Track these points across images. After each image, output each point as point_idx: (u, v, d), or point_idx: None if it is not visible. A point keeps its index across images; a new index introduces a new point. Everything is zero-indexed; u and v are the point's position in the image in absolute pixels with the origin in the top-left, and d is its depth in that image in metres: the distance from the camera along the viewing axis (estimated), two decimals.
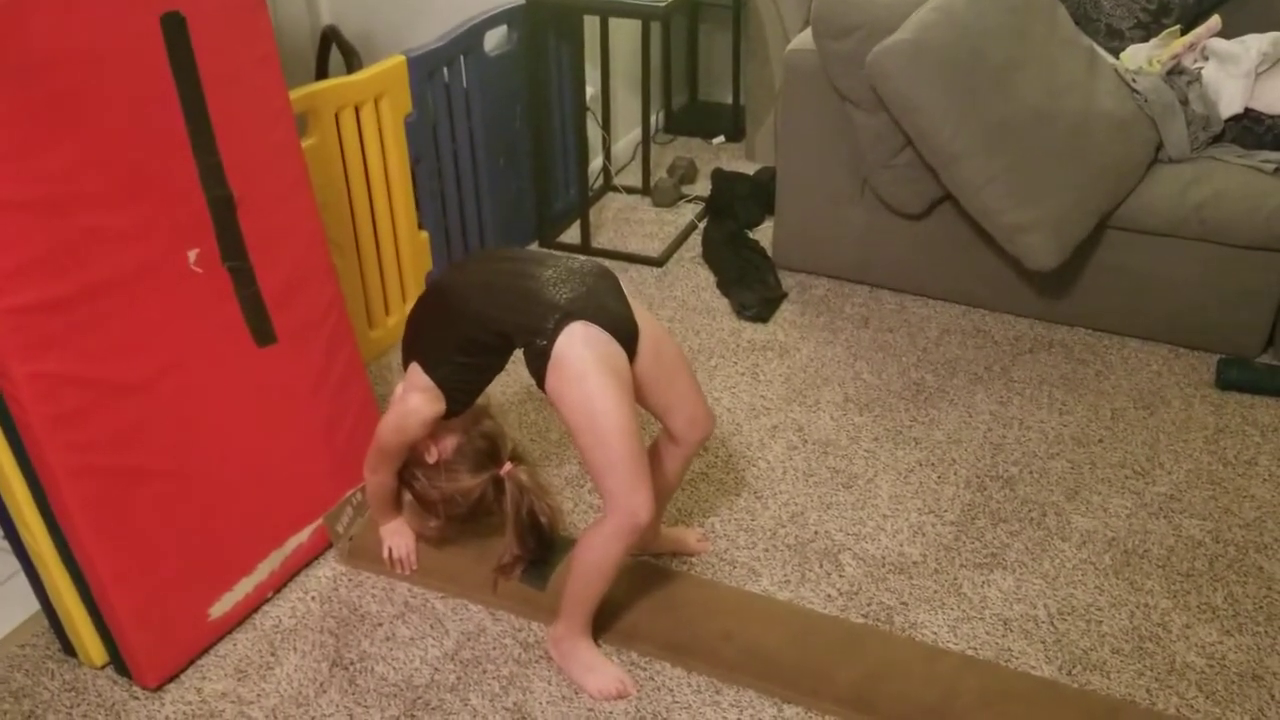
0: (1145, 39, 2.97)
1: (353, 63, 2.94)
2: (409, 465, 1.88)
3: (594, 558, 1.74)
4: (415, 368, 1.79)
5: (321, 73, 3.19)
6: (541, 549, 1.89)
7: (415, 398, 1.77)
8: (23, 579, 1.85)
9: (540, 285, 1.70)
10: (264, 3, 1.85)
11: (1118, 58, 2.91)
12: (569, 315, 1.65)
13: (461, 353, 1.76)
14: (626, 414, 1.63)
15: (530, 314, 1.67)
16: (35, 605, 1.89)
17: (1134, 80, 2.75)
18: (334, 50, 3.15)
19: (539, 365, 1.66)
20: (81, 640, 1.83)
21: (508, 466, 1.84)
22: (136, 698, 1.81)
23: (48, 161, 1.55)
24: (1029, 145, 2.54)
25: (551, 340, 1.64)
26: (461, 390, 1.80)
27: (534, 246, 3.26)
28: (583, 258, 1.83)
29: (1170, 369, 2.66)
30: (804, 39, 2.84)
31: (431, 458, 1.85)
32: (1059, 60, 2.67)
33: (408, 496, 1.93)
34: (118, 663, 1.83)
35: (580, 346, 1.64)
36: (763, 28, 3.64)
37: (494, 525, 1.94)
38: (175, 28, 1.69)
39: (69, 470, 1.65)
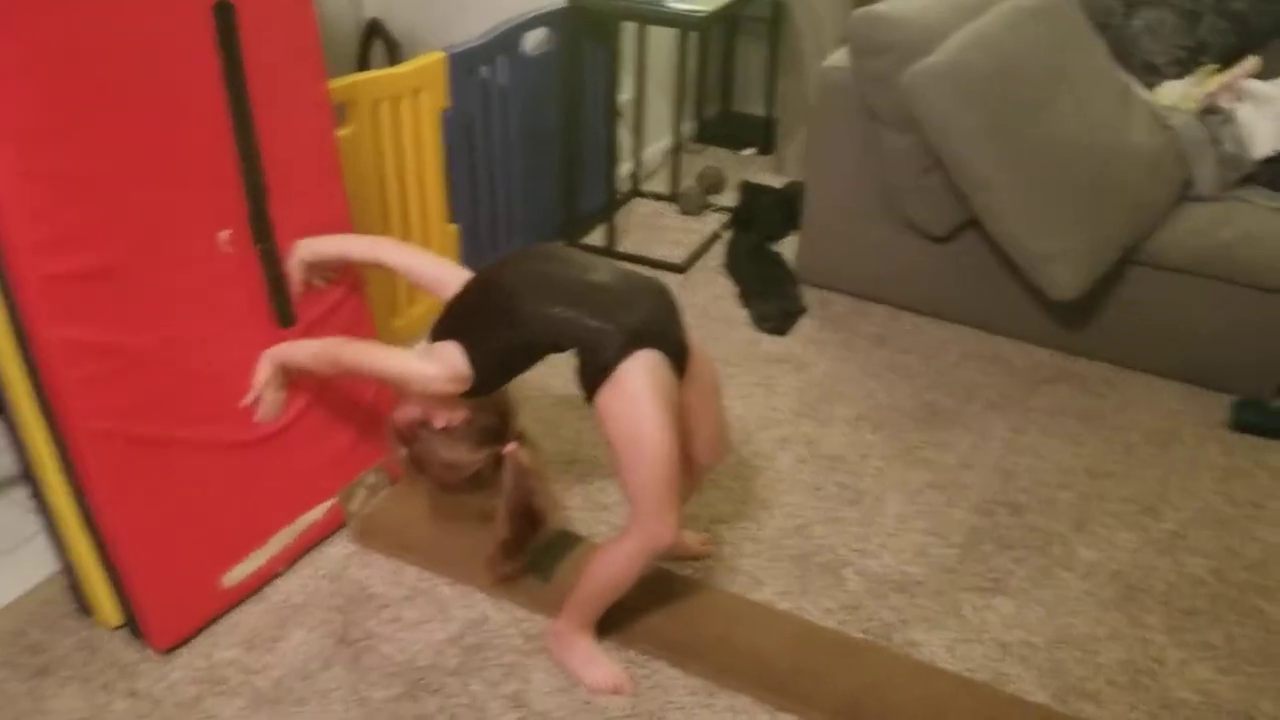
0: (1181, 76, 2.98)
1: (395, 56, 2.99)
2: (414, 424, 1.84)
3: (612, 572, 1.77)
4: (455, 349, 1.74)
5: (363, 64, 3.25)
6: (531, 534, 1.88)
7: (439, 371, 1.73)
8: (45, 538, 1.89)
9: (611, 301, 1.69)
10: None
11: (1152, 93, 2.92)
12: (639, 340, 1.66)
13: (509, 351, 1.75)
14: (671, 442, 1.65)
15: (599, 330, 1.66)
16: (56, 564, 1.93)
17: (1167, 117, 2.76)
18: (377, 42, 3.20)
19: (596, 379, 1.66)
20: (98, 601, 1.88)
21: (510, 446, 1.84)
22: (148, 660, 1.86)
23: (91, 137, 1.61)
24: (1058, 175, 2.56)
25: (616, 359, 1.64)
26: (494, 380, 1.78)
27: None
28: (646, 273, 1.82)
29: (1186, 407, 2.67)
30: (839, 56, 2.87)
31: (439, 422, 1.81)
32: (1093, 93, 2.69)
33: (405, 451, 1.88)
34: (132, 625, 1.88)
35: (642, 371, 1.65)
36: (799, 42, 3.67)
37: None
38: (226, 17, 1.74)
39: (92, 434, 1.70)
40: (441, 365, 1.73)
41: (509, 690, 1.84)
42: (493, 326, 1.74)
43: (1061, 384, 2.74)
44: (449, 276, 1.87)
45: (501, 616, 1.98)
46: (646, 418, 1.64)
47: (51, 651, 1.87)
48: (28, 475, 1.82)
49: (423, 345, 1.81)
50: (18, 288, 1.58)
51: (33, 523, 1.93)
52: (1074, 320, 2.80)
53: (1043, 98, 2.57)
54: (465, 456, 1.82)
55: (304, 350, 1.94)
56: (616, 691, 1.84)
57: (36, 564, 2.01)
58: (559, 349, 1.73)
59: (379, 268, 2.05)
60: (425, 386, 1.75)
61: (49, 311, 1.60)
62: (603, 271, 1.77)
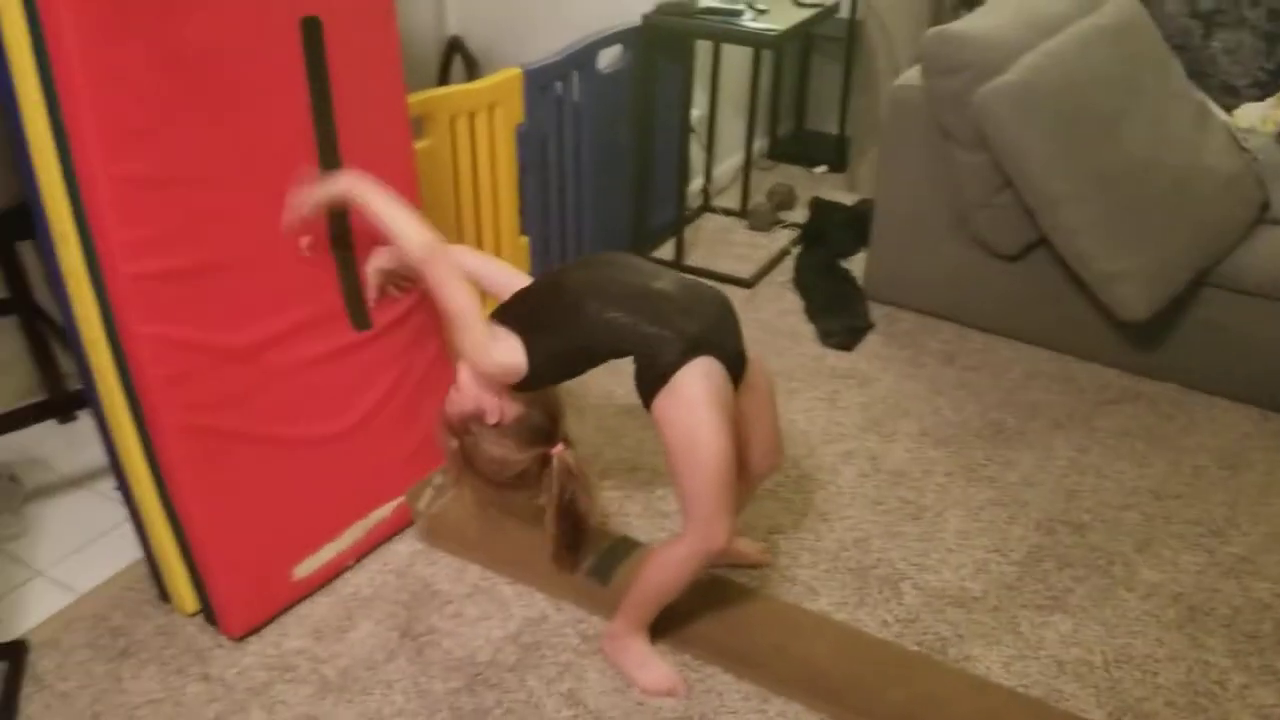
0: (1261, 98, 2.95)
1: (474, 72, 3.08)
2: (467, 418, 1.85)
3: (665, 575, 1.81)
4: (515, 342, 1.76)
5: (444, 80, 3.35)
6: (576, 534, 1.89)
7: (499, 360, 1.75)
8: (130, 527, 1.99)
9: (674, 310, 1.72)
10: (393, 12, 1.98)
11: (1231, 115, 2.89)
12: (698, 347, 1.69)
13: (567, 353, 1.78)
14: (726, 448, 1.68)
15: (657, 337, 1.69)
16: (139, 553, 2.03)
17: (1245, 139, 2.73)
18: (457, 59, 3.30)
19: (654, 385, 1.69)
20: (177, 588, 1.97)
21: (558, 448, 1.85)
22: (221, 646, 1.94)
23: (185, 144, 1.69)
24: (1129, 195, 2.54)
25: (674, 366, 1.67)
26: (545, 378, 1.81)
27: None
28: (708, 283, 1.84)
29: (1259, 430, 2.62)
30: (911, 75, 2.88)
31: (492, 418, 1.82)
32: (1168, 113, 2.67)
33: (455, 444, 1.88)
34: (207, 612, 1.96)
35: (699, 378, 1.67)
36: (874, 61, 3.69)
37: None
38: (313, 31, 1.82)
39: (176, 427, 1.78)
40: (502, 353, 1.76)
41: (564, 688, 1.88)
42: (554, 327, 1.77)
43: (1129, 404, 2.71)
44: (519, 284, 1.92)
45: (560, 616, 2.03)
46: (703, 424, 1.67)
47: (132, 635, 1.96)
48: (115, 467, 1.92)
49: (492, 328, 1.81)
50: (110, 285, 1.67)
51: (119, 512, 2.03)
52: (1144, 341, 2.77)
53: (1115, 117, 2.56)
54: (513, 454, 1.84)
55: (407, 225, 1.84)
56: (670, 694, 1.87)
57: (121, 552, 2.11)
58: (618, 354, 1.75)
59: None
60: (477, 357, 1.76)
61: (138, 309, 1.69)
62: (665, 280, 1.80)
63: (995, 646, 2.00)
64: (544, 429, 1.84)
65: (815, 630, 2.00)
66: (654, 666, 1.90)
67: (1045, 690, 1.91)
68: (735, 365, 1.77)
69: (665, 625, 1.95)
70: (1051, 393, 2.76)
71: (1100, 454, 2.53)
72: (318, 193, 1.88)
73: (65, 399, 2.35)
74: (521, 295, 1.86)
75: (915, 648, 1.99)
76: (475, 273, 2.01)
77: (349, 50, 1.89)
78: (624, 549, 2.13)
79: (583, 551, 1.96)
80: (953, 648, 2.00)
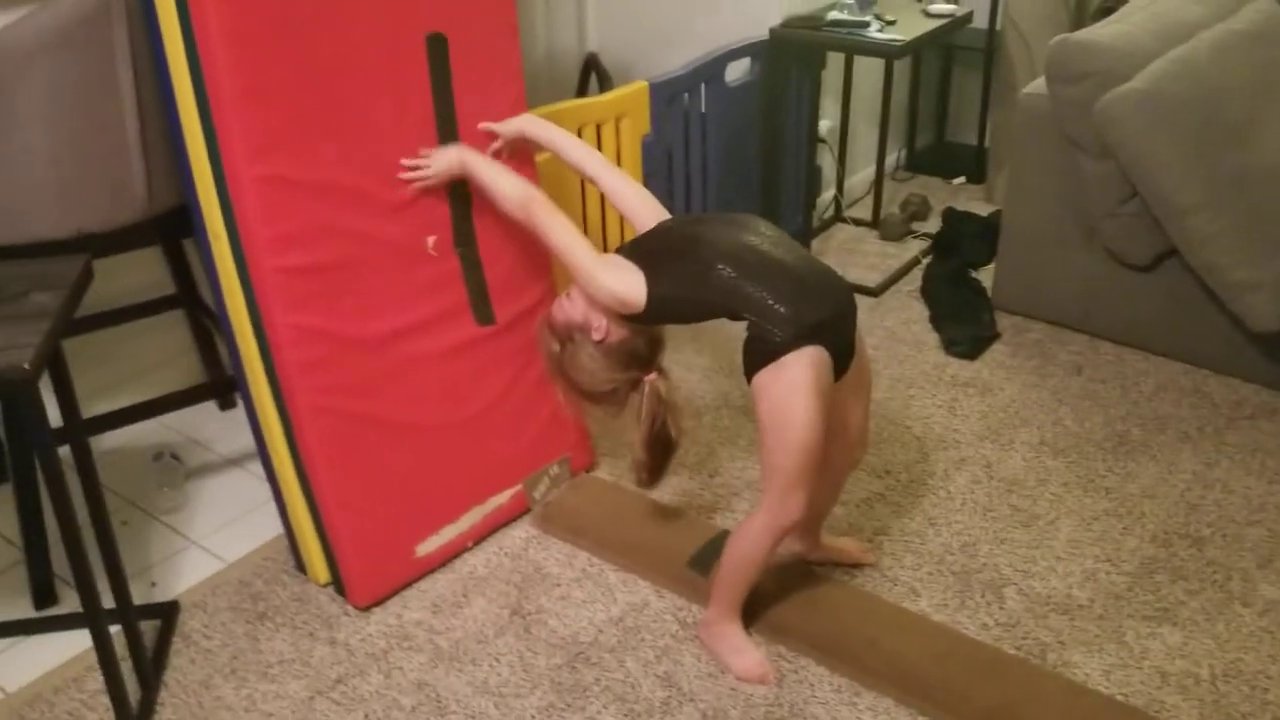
0: None
1: (606, 86, 3.21)
2: (572, 327, 1.91)
3: (744, 551, 1.89)
4: (639, 278, 1.81)
5: (582, 94, 3.49)
6: (664, 459, 1.94)
7: (612, 285, 1.81)
8: (274, 504, 2.17)
9: (799, 290, 1.76)
10: (514, 26, 2.11)
11: None
12: (813, 334, 1.73)
13: (686, 302, 1.82)
14: (817, 434, 1.74)
15: (776, 313, 1.73)
16: (281, 527, 2.21)
17: None
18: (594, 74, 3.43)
19: (761, 359, 1.74)
20: (311, 560, 2.14)
21: (652, 376, 1.89)
22: (348, 614, 2.10)
23: (324, 151, 1.87)
24: (1261, 203, 2.47)
25: (786, 347, 1.72)
26: (658, 318, 1.86)
27: None
28: (838, 273, 1.89)
29: None
30: (1039, 84, 2.86)
31: (598, 335, 1.87)
32: None
33: (556, 348, 1.94)
34: (337, 583, 2.13)
35: (807, 365, 1.73)
36: (1013, 72, 3.65)
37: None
38: (438, 47, 1.97)
39: (311, 410, 1.95)
40: (618, 282, 1.82)
41: (661, 670, 1.96)
42: (681, 275, 1.81)
43: (1264, 420, 2.62)
44: (647, 209, 1.97)
45: (661, 603, 2.11)
46: (800, 407, 1.72)
47: (269, 600, 2.14)
48: (261, 447, 2.11)
49: (614, 257, 1.90)
50: (254, 278, 1.86)
51: (266, 491, 2.22)
52: None
53: (1248, 123, 2.49)
54: (609, 372, 1.89)
55: (503, 180, 2.00)
56: (761, 681, 1.93)
57: (266, 526, 2.30)
58: (733, 315, 1.79)
59: (586, 178, 2.11)
60: (594, 290, 1.83)
61: (278, 300, 1.87)
62: (798, 258, 1.84)
63: (1097, 655, 1.98)
64: (642, 356, 1.89)
65: (909, 627, 2.02)
66: (747, 654, 1.96)
67: (1145, 700, 1.88)
68: (843, 359, 1.82)
69: (760, 616, 2.02)
70: (1182, 406, 2.69)
71: (1228, 468, 2.46)
72: (437, 164, 2.02)
73: (219, 383, 2.57)
74: (656, 234, 1.91)
75: (1014, 651, 1.99)
76: (609, 185, 2.05)
77: (472, 64, 2.04)
78: (724, 543, 2.19)
79: (666, 471, 1.98)
80: (1052, 653, 1.99)
